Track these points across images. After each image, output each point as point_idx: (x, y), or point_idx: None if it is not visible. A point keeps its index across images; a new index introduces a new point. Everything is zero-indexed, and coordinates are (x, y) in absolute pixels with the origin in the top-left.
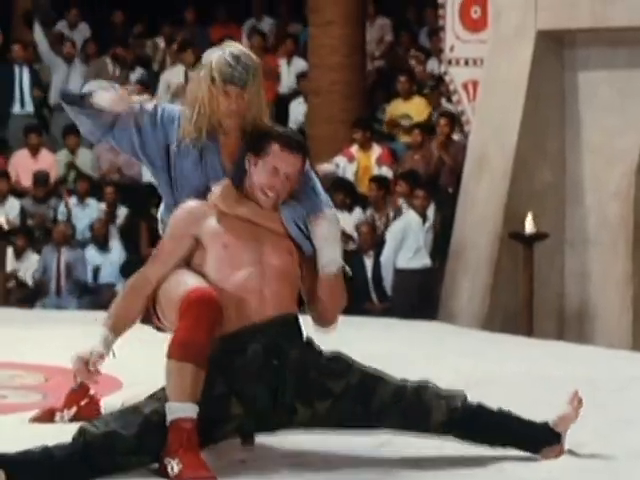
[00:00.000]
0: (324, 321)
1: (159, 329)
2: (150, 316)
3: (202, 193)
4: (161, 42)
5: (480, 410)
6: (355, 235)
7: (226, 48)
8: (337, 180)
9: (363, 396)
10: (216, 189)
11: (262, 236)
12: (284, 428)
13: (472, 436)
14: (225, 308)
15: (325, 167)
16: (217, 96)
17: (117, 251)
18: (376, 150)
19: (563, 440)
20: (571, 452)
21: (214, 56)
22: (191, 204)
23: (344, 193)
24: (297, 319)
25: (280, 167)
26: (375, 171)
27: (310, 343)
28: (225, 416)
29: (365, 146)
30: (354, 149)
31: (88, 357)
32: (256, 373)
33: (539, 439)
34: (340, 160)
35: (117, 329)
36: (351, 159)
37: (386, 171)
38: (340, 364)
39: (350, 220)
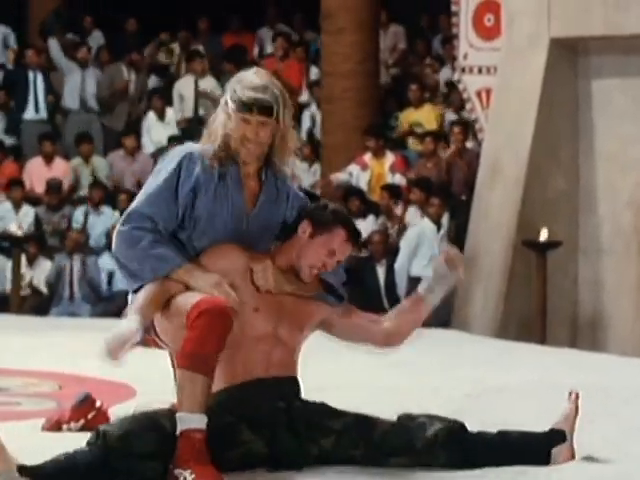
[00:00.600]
0: (395, 345)
1: (157, 346)
2: (148, 336)
3: (221, 232)
4: (176, 48)
5: (480, 432)
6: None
7: (251, 75)
8: (350, 187)
9: (363, 428)
10: (259, 267)
11: (284, 307)
12: (296, 462)
13: (476, 456)
14: (233, 363)
15: (338, 176)
16: (236, 123)
17: None
18: (389, 158)
19: (571, 441)
20: (583, 459)
21: (237, 82)
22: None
23: (358, 200)
24: (297, 381)
25: (338, 252)
26: (389, 179)
27: (306, 399)
28: (234, 441)
29: (378, 154)
30: (367, 157)
31: (124, 335)
32: (265, 417)
33: (545, 444)
34: (353, 169)
35: (146, 314)
36: (364, 167)
37: (399, 179)
38: (335, 409)
39: (363, 227)
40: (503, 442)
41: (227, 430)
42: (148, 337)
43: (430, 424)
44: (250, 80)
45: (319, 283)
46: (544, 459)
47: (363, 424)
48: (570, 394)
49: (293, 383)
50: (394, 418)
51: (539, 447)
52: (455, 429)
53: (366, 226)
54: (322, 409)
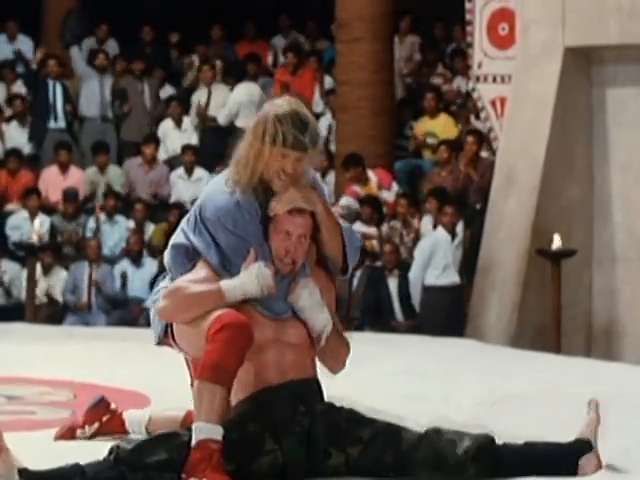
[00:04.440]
0: (333, 372)
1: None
2: (165, 338)
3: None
4: (195, 60)
5: (508, 444)
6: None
7: (286, 105)
8: (364, 197)
9: (391, 439)
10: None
11: None
12: (321, 472)
13: (506, 469)
14: (247, 373)
15: (344, 201)
16: (273, 156)
17: (149, 267)
18: (373, 178)
19: (596, 449)
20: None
21: (274, 113)
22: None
23: (371, 208)
24: (318, 383)
25: (291, 228)
26: (385, 196)
27: (331, 402)
28: (259, 450)
29: (362, 180)
30: (355, 187)
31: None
32: (285, 424)
33: (571, 454)
34: (348, 201)
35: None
36: (358, 197)
37: (387, 194)
38: (363, 415)
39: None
40: (531, 453)
41: (252, 440)
42: (164, 338)
43: (459, 440)
44: (290, 114)
45: (315, 254)
46: (572, 469)
47: (391, 435)
48: (590, 403)
49: (312, 385)
50: (418, 429)
51: (567, 457)
52: (484, 443)
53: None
54: (350, 416)
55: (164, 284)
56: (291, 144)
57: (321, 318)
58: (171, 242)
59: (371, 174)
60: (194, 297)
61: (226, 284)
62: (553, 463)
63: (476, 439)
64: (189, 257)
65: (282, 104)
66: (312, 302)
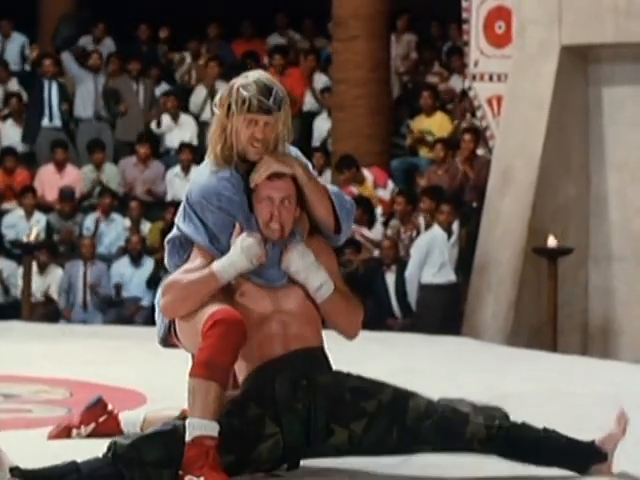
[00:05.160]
0: (348, 336)
1: (173, 346)
2: (169, 336)
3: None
4: (187, 57)
5: (523, 427)
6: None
7: (250, 76)
8: (355, 197)
9: (397, 413)
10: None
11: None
12: (323, 452)
13: (514, 453)
14: (250, 348)
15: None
16: (242, 125)
17: (148, 266)
18: (369, 177)
19: (611, 460)
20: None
21: (239, 84)
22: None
23: (362, 210)
24: (323, 351)
25: (272, 193)
26: (380, 194)
27: (338, 370)
28: (259, 435)
29: (358, 180)
30: (352, 188)
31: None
32: (286, 401)
33: (585, 458)
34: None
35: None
36: (354, 197)
37: (383, 193)
38: (371, 384)
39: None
40: (548, 444)
41: (252, 425)
42: (169, 336)
43: (472, 418)
44: (254, 82)
45: (307, 221)
46: (582, 471)
47: (397, 409)
48: (619, 416)
49: (317, 355)
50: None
51: (581, 460)
52: (497, 429)
53: (373, 236)
54: (355, 384)
55: None
56: (256, 108)
57: (318, 277)
58: (166, 238)
59: (367, 172)
60: (190, 285)
61: (217, 265)
62: (564, 461)
63: (488, 422)
64: (184, 248)
65: (245, 75)
66: (305, 263)
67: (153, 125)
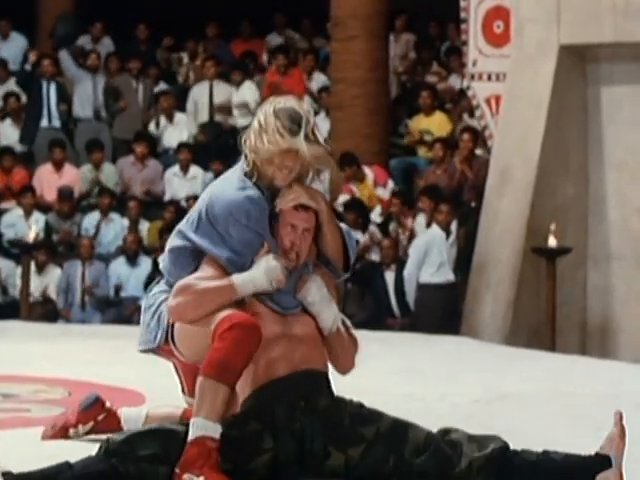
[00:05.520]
0: (342, 370)
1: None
2: (164, 345)
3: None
4: (185, 57)
5: (521, 453)
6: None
7: (286, 102)
8: (349, 201)
9: (396, 442)
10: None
11: None
12: (318, 474)
13: (514, 478)
14: (256, 366)
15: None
16: (275, 151)
17: (145, 266)
18: (369, 175)
19: (618, 465)
20: None
21: (274, 109)
22: None
23: (356, 213)
24: (327, 377)
25: (295, 222)
26: (380, 193)
27: (340, 397)
28: (257, 448)
29: (358, 178)
30: (352, 186)
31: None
32: (283, 421)
33: (588, 471)
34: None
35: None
36: (352, 194)
37: (382, 192)
38: (371, 412)
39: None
40: (546, 465)
41: (251, 438)
42: (163, 346)
43: (468, 448)
44: (286, 109)
45: (315, 254)
46: None
47: (396, 437)
48: (615, 415)
49: (319, 378)
50: (428, 427)
51: (583, 473)
52: (494, 457)
53: (365, 239)
54: (355, 411)
55: (158, 289)
56: (289, 137)
57: (330, 312)
58: (168, 246)
59: (367, 170)
60: (206, 292)
61: (237, 278)
62: (569, 477)
63: (485, 453)
64: (192, 257)
65: (281, 100)
66: (321, 296)
67: (152, 126)
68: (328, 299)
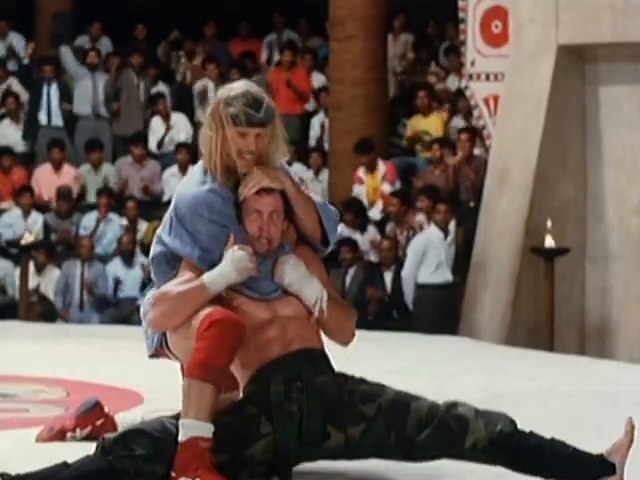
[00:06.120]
0: (342, 342)
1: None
2: (160, 349)
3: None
4: (182, 57)
5: (529, 434)
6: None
7: (238, 88)
8: (348, 201)
9: (397, 417)
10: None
11: None
12: (318, 455)
13: (518, 462)
14: (248, 352)
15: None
16: (231, 138)
17: (141, 266)
18: (381, 169)
19: (621, 471)
20: None
21: (226, 97)
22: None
23: (355, 214)
24: (323, 353)
25: (260, 207)
26: (384, 188)
27: (339, 372)
28: (254, 434)
29: (371, 168)
30: (361, 172)
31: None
32: (279, 402)
33: (592, 470)
34: (357, 188)
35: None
36: (361, 183)
37: (388, 189)
38: (371, 386)
39: (362, 241)
40: (551, 456)
41: (246, 422)
42: (159, 349)
43: (474, 425)
44: (241, 93)
45: (294, 233)
46: None
47: (397, 412)
48: (626, 424)
49: (316, 355)
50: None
51: (586, 473)
52: (499, 440)
53: (364, 239)
54: (355, 388)
55: (151, 294)
56: (245, 121)
57: (312, 289)
58: (150, 255)
59: (381, 164)
60: (179, 297)
61: (207, 276)
62: (571, 472)
63: (489, 427)
64: (171, 265)
65: (233, 87)
66: (298, 275)
67: (154, 121)
68: (307, 277)
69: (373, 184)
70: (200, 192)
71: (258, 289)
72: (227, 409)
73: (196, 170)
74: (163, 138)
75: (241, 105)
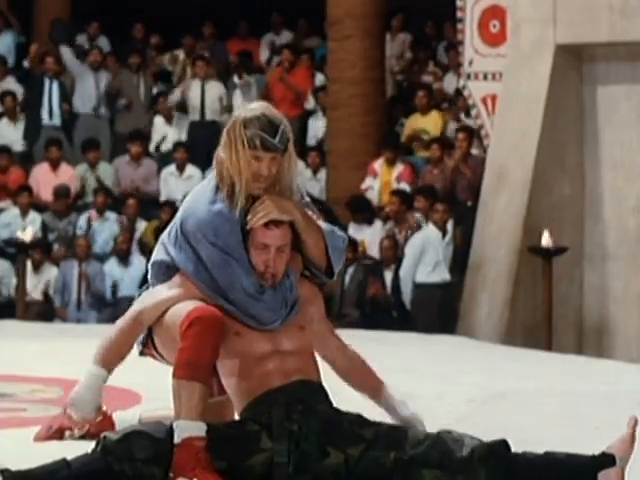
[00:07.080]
0: (344, 379)
1: (154, 358)
2: (146, 348)
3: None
4: (181, 54)
5: (524, 453)
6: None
7: (256, 110)
8: (355, 198)
9: (396, 440)
10: None
11: None
12: (318, 475)
13: (516, 473)
14: (250, 380)
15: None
16: (247, 160)
17: (138, 265)
18: (399, 167)
19: (622, 465)
20: None
21: (242, 118)
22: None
23: (362, 211)
24: (322, 387)
25: (269, 241)
26: (394, 186)
27: (338, 408)
28: (254, 447)
29: (391, 163)
30: (377, 164)
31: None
32: (280, 423)
33: (591, 467)
34: (369, 180)
35: (110, 366)
36: (375, 175)
37: (403, 187)
38: (369, 419)
39: (369, 233)
40: (548, 463)
41: (248, 436)
42: (146, 348)
43: (470, 441)
44: (258, 116)
45: (300, 262)
46: None
47: (396, 435)
48: (629, 421)
49: (316, 388)
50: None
51: (585, 470)
52: (496, 447)
53: (373, 232)
54: (354, 418)
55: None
56: (260, 145)
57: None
58: (152, 259)
59: (400, 164)
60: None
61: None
62: (570, 475)
63: (487, 442)
64: (169, 274)
65: (251, 108)
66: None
67: (156, 120)
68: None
69: (387, 178)
70: (209, 213)
71: (260, 319)
72: (229, 423)
73: (208, 186)
74: (163, 138)
75: (257, 129)
